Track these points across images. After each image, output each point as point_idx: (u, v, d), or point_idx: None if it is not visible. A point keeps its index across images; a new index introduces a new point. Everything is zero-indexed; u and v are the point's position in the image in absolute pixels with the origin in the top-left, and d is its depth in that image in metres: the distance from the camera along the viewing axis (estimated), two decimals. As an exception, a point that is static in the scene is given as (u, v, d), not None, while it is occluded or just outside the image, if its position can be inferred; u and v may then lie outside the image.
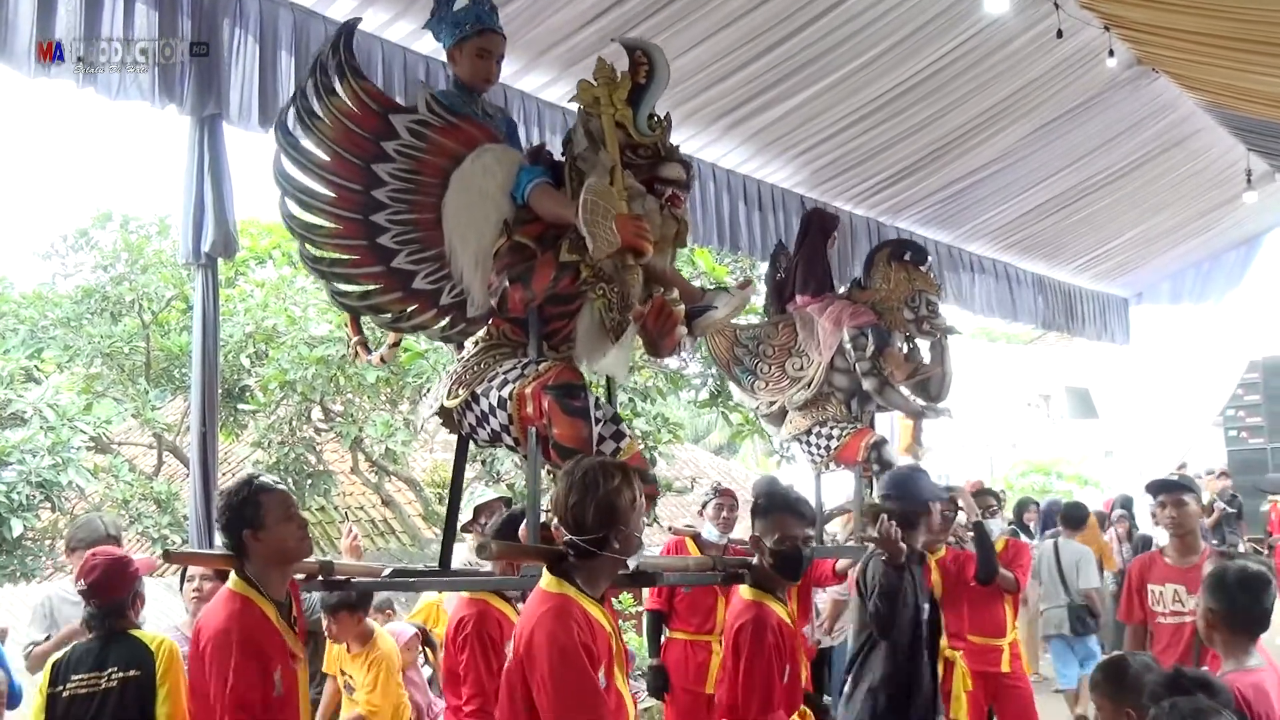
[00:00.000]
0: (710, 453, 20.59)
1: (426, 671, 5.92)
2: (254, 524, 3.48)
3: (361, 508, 12.19)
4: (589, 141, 3.74)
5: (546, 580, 3.05)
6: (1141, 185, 11.05)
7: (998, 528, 6.79)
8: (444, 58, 5.86)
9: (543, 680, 2.84)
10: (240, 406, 9.90)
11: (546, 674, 2.83)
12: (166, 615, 5.79)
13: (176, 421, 10.79)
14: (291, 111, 3.71)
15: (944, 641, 5.58)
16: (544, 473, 3.80)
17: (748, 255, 8.68)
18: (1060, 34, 7.50)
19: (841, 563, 6.14)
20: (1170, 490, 5.42)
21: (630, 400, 9.41)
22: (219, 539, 4.79)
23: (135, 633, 4.05)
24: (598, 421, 3.62)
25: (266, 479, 3.63)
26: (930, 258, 7.47)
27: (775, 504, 4.22)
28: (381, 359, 4.74)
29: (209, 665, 3.42)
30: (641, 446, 4.07)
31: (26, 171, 49.85)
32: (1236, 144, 11.03)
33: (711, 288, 4.05)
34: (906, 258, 6.86)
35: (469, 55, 3.97)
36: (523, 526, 4.19)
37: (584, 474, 3.05)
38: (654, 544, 7.48)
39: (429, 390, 4.28)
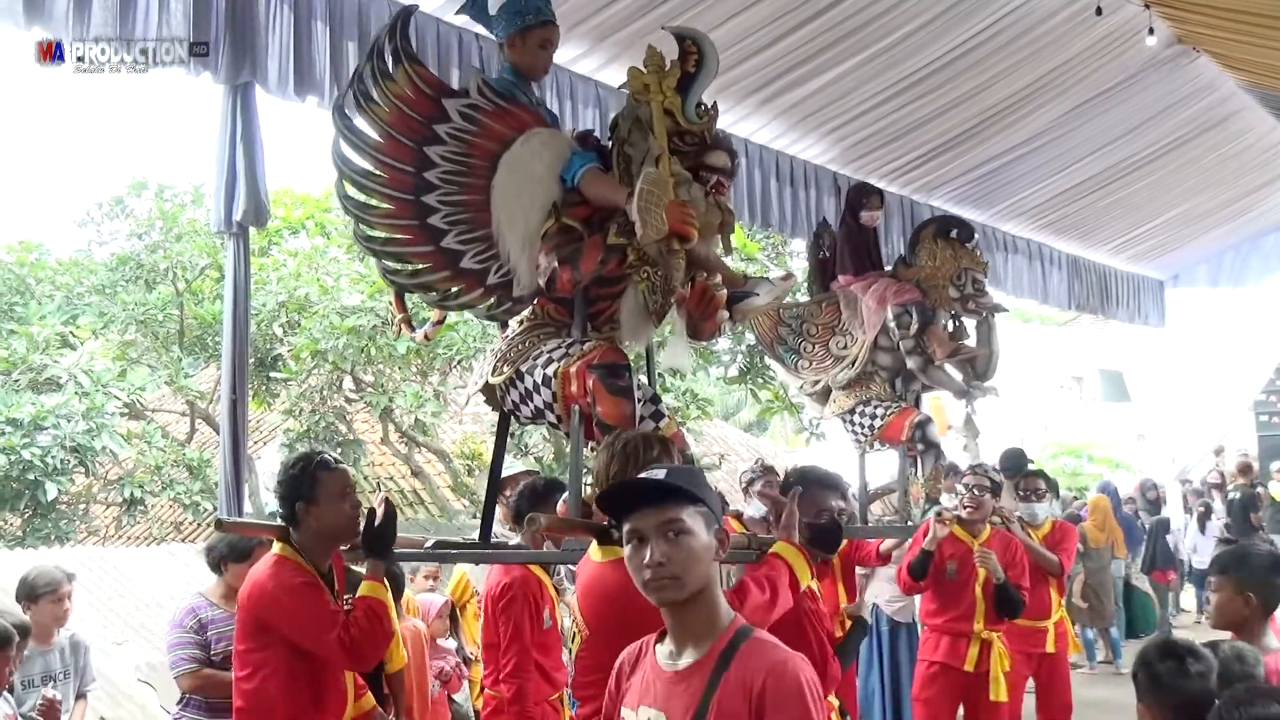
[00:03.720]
0: (739, 429, 20.57)
1: (451, 643, 5.97)
2: (309, 497, 3.57)
3: (391, 478, 12.27)
4: (637, 127, 3.80)
5: (594, 550, 3.12)
6: (1180, 166, 10.88)
7: (1044, 512, 6.74)
8: (478, 29, 5.96)
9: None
10: (272, 375, 9.99)
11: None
12: (197, 580, 5.89)
13: (209, 389, 10.90)
14: (349, 95, 3.80)
15: (979, 625, 5.65)
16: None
17: (779, 231, 8.64)
18: (1100, 11, 7.38)
19: (886, 543, 6.07)
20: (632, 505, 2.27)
21: (660, 376, 9.42)
22: (247, 506, 4.83)
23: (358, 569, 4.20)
24: (638, 401, 3.69)
25: (329, 457, 3.70)
26: (977, 235, 7.39)
27: (807, 479, 4.16)
28: (425, 336, 4.80)
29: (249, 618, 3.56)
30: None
31: (62, 138, 50.34)
32: (1278, 125, 10.85)
33: (754, 276, 4.10)
34: (953, 235, 6.80)
35: (532, 46, 4.03)
36: (562, 502, 4.25)
37: (625, 444, 3.12)
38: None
39: (460, 362, 4.36)
